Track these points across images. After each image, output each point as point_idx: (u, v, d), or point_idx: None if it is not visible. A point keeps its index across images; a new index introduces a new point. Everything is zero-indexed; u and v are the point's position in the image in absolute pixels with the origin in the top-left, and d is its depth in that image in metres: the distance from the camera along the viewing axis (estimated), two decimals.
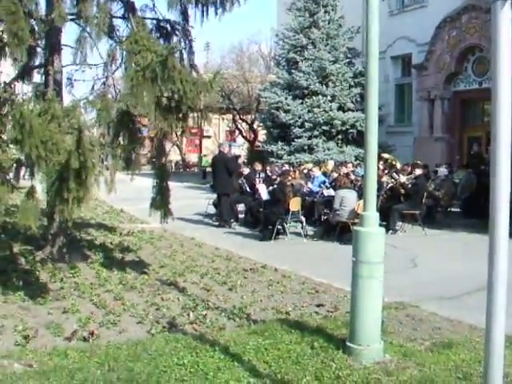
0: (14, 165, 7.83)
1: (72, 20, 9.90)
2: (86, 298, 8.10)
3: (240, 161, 18.15)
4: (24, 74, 10.42)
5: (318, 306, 7.93)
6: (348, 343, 5.92)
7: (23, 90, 10.83)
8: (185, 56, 11.03)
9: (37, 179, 7.82)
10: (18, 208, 7.73)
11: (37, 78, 10.81)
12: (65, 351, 5.85)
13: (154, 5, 10.70)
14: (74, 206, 7.15)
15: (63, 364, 5.53)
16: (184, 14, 10.62)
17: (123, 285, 8.86)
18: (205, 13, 10.39)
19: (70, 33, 10.21)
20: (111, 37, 10.09)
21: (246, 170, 17.86)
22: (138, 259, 10.93)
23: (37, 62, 10.45)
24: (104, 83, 10.00)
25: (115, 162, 8.55)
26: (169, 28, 11.00)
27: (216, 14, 10.47)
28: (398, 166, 18.28)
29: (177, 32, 11.03)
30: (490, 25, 3.70)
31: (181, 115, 8.54)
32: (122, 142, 9.09)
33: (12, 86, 9.69)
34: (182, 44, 11.05)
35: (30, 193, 7.60)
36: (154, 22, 10.93)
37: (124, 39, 9.57)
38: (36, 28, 9.55)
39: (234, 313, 7.45)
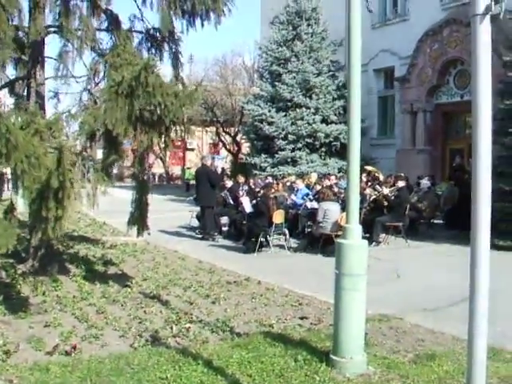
0: None
1: (55, 32, 9.88)
2: (68, 311, 8.03)
3: (224, 174, 18.18)
4: (7, 86, 10.36)
5: (302, 318, 7.91)
6: (332, 356, 5.91)
7: (5, 102, 10.74)
8: (170, 68, 11.07)
9: (19, 192, 7.78)
10: None
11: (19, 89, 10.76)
12: (46, 366, 5.79)
13: (142, 14, 10.69)
14: (53, 224, 7.09)
15: (44, 379, 5.48)
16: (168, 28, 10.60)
17: (106, 298, 8.80)
18: (191, 24, 10.40)
19: (55, 45, 10.18)
20: (94, 50, 10.06)
21: (229, 183, 17.84)
22: (120, 272, 10.87)
23: (19, 74, 10.40)
24: (90, 94, 9.98)
25: (97, 176, 8.50)
26: (159, 37, 10.95)
27: (202, 26, 10.49)
28: (381, 178, 18.35)
29: (166, 40, 10.98)
30: (471, 38, 3.74)
31: (163, 128, 8.52)
32: (103, 155, 9.05)
33: None
34: (168, 56, 11.05)
35: (8, 211, 7.53)
36: (143, 32, 10.88)
37: (107, 52, 9.54)
38: (24, 40, 9.54)
39: (218, 326, 7.42)
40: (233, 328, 7.38)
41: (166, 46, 10.85)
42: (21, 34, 9.63)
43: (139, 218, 9.69)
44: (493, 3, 3.59)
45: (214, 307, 8.50)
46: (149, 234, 10.08)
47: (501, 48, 17.01)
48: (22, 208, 9.00)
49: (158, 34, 10.85)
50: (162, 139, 8.82)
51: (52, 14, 9.40)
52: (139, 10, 10.59)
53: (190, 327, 7.32)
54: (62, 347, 6.46)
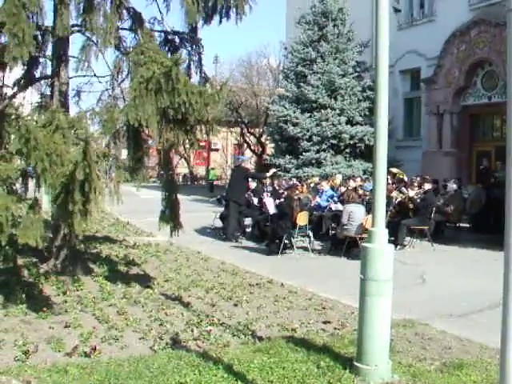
0: (21, 176, 7.75)
1: (79, 31, 9.85)
2: (88, 312, 7.97)
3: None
4: (29, 85, 10.36)
5: (325, 322, 7.78)
6: (355, 363, 5.77)
7: (28, 100, 10.75)
8: (192, 68, 11.01)
9: (42, 191, 7.74)
10: (21, 223, 7.59)
11: (44, 89, 10.78)
12: (65, 367, 5.72)
13: (162, 17, 10.67)
14: (79, 218, 7.04)
15: (62, 381, 5.41)
16: (192, 26, 10.55)
17: (127, 299, 8.73)
18: (207, 21, 10.34)
19: (78, 45, 10.16)
20: (118, 48, 10.02)
21: (253, 184, 17.74)
22: (142, 273, 10.81)
23: (38, 73, 10.40)
24: (110, 94, 9.94)
25: (119, 173, 8.43)
26: (177, 40, 10.96)
27: (220, 22, 10.41)
28: (406, 180, 18.15)
29: (185, 43, 10.97)
30: (500, 39, 3.59)
31: (188, 127, 8.45)
32: (127, 153, 9.01)
33: (16, 97, 9.65)
34: (191, 55, 11.02)
35: (33, 206, 7.49)
36: (162, 34, 10.89)
37: (130, 50, 9.49)
38: (40, 38, 9.51)
39: (239, 329, 7.31)
40: (254, 332, 7.27)
41: (184, 49, 10.82)
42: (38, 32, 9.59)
43: (171, 216, 9.61)
44: None
45: (235, 310, 8.40)
46: (183, 232, 9.95)
47: None
48: (45, 206, 8.98)
49: (176, 37, 10.83)
50: (188, 138, 8.75)
51: (75, 12, 9.34)
52: (160, 11, 10.57)
53: (211, 330, 7.22)
54: (82, 348, 6.40)
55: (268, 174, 18.31)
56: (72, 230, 7.47)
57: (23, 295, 8.39)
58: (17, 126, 7.02)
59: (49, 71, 10.16)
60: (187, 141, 8.92)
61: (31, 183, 8.10)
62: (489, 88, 23.47)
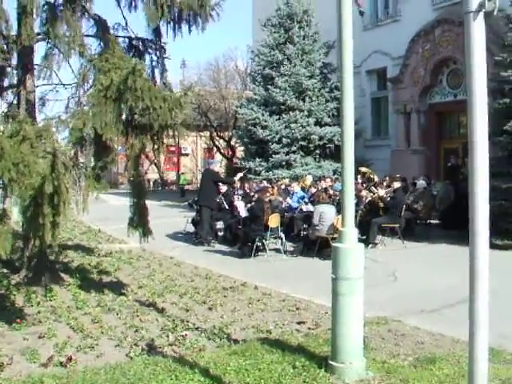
0: None
1: (44, 40, 9.80)
2: (62, 321, 7.93)
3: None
4: None
5: (299, 323, 7.85)
6: (330, 361, 5.83)
7: None
8: (157, 73, 11.02)
9: (11, 201, 7.69)
10: None
11: (10, 98, 10.71)
12: (40, 379, 5.70)
13: (126, 23, 10.66)
14: (50, 230, 7.01)
15: None
16: (156, 32, 10.58)
17: (101, 307, 8.70)
18: (177, 30, 10.38)
19: (43, 53, 10.11)
20: (83, 55, 9.98)
21: (223, 188, 17.76)
22: (116, 280, 10.78)
23: (6, 83, 10.32)
24: (76, 102, 9.90)
25: (88, 182, 8.40)
26: (141, 46, 10.95)
27: (190, 30, 10.47)
28: (376, 179, 18.32)
29: (149, 50, 10.98)
30: (463, 37, 3.68)
31: (153, 133, 8.45)
32: (97, 162, 8.97)
33: None
34: (154, 62, 11.03)
35: (1, 217, 7.43)
36: (127, 40, 10.88)
37: (95, 57, 9.47)
38: (5, 47, 9.46)
39: (214, 333, 7.34)
40: (230, 335, 7.30)
41: (148, 55, 10.84)
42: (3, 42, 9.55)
43: (140, 222, 9.56)
44: (486, 0, 3.53)
45: (210, 314, 8.43)
46: (153, 238, 9.91)
47: (493, 47, 16.97)
48: (15, 217, 8.91)
49: (140, 43, 10.84)
50: (154, 143, 8.75)
51: (39, 21, 9.31)
52: (124, 18, 10.56)
53: (186, 335, 7.25)
54: (57, 358, 6.38)
55: (236, 179, 18.36)
56: (42, 242, 7.41)
57: None
58: None
59: (15, 80, 10.10)
60: (154, 146, 8.92)
61: None
62: (454, 86, 23.77)
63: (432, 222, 18.48)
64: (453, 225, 15.95)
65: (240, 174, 18.85)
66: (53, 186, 6.74)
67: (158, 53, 10.95)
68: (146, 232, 9.63)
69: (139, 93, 7.68)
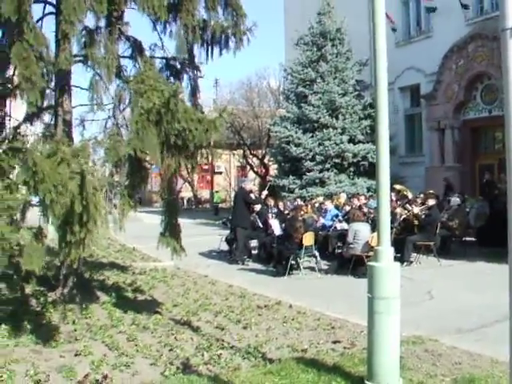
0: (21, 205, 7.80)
1: (80, 61, 9.96)
2: (98, 339, 7.97)
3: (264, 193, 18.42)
4: (33, 116, 10.46)
5: (335, 342, 7.78)
6: (366, 382, 5.77)
7: (32, 130, 10.86)
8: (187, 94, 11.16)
9: (49, 219, 7.79)
10: (24, 250, 7.65)
11: (47, 118, 10.89)
12: None
13: (162, 44, 10.78)
14: (76, 247, 7.08)
15: None
16: (190, 53, 10.69)
17: (136, 325, 8.73)
18: (210, 52, 10.55)
19: (81, 74, 10.30)
20: (119, 76, 10.13)
21: (258, 206, 17.78)
22: (150, 298, 10.82)
23: (45, 104, 10.50)
24: (113, 123, 10.03)
25: (124, 201, 8.49)
26: (178, 66, 11.06)
27: (221, 54, 10.63)
28: (410, 196, 18.18)
29: (186, 69, 11.08)
30: (498, 52, 3.66)
31: (189, 153, 8.52)
32: (130, 181, 9.06)
33: (20, 128, 9.76)
34: (191, 81, 11.13)
35: (37, 235, 7.54)
36: (164, 60, 11.00)
37: (131, 79, 9.59)
38: (45, 70, 9.63)
39: (249, 352, 7.31)
40: (265, 354, 7.26)
41: (186, 74, 10.94)
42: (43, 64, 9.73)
43: (171, 238, 9.60)
44: None
45: (245, 332, 8.41)
46: (185, 255, 9.93)
47: None
48: (52, 235, 9.03)
49: (176, 62, 10.94)
50: (189, 163, 8.81)
51: (77, 43, 9.47)
52: (160, 38, 10.68)
53: (221, 354, 7.23)
54: (93, 376, 6.41)
55: (262, 197, 18.37)
56: (69, 259, 7.47)
57: (32, 324, 8.40)
58: (23, 158, 7.08)
59: (53, 101, 10.27)
60: (189, 165, 8.99)
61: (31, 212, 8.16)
62: (488, 102, 23.56)
63: (467, 239, 18.23)
64: (489, 242, 15.73)
65: (265, 192, 18.92)
66: (82, 205, 6.81)
67: (193, 72, 11.05)
68: (177, 249, 9.65)
69: (180, 115, 7.76)
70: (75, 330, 8.37)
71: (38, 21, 9.73)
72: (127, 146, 7.96)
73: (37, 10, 9.87)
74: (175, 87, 8.08)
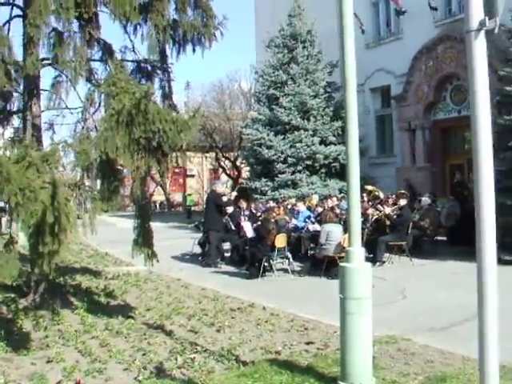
0: None
1: (50, 65, 9.88)
2: (70, 345, 7.90)
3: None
4: (5, 121, 10.37)
5: (308, 343, 7.80)
6: (340, 382, 5.79)
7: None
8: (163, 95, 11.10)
9: (18, 226, 7.70)
10: None
11: (16, 122, 10.80)
12: None
13: (133, 46, 10.73)
14: (49, 258, 7.01)
15: None
16: (162, 54, 10.65)
17: (109, 330, 8.67)
18: (182, 51, 10.52)
19: (49, 78, 10.21)
20: (89, 80, 10.06)
21: (230, 209, 17.77)
22: (123, 303, 10.75)
23: (14, 108, 10.40)
24: (83, 126, 9.96)
25: (95, 205, 8.42)
26: (149, 68, 11.03)
27: (194, 50, 10.60)
28: (382, 196, 18.30)
29: (157, 71, 11.05)
30: (466, 54, 3.69)
31: (160, 155, 8.48)
32: (101, 184, 9.00)
33: None
34: (163, 83, 11.10)
35: (8, 244, 7.46)
36: (135, 63, 10.95)
37: (102, 82, 9.53)
38: (13, 73, 9.55)
39: (223, 355, 7.30)
40: (238, 356, 7.26)
41: (157, 76, 10.91)
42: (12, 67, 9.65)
43: (144, 244, 9.56)
44: (487, 18, 3.55)
45: (218, 335, 8.39)
46: (157, 261, 9.90)
47: (495, 62, 17.02)
48: (23, 241, 8.93)
49: (148, 65, 10.91)
50: (160, 166, 8.78)
51: (47, 46, 9.39)
52: (131, 41, 10.63)
53: (194, 357, 7.20)
54: (66, 383, 6.35)
55: (231, 198, 18.36)
56: (42, 271, 7.40)
57: (3, 332, 8.29)
58: None
59: (21, 106, 10.17)
60: (160, 168, 8.96)
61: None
62: (458, 102, 23.80)
63: (439, 238, 18.41)
64: (460, 241, 15.90)
65: (233, 193, 19.03)
66: (53, 215, 6.74)
67: (165, 75, 11.03)
68: (150, 254, 9.62)
69: (151, 116, 7.72)
70: (47, 337, 8.29)
71: (5, 24, 9.66)
72: (93, 147, 7.89)
73: (4, 12, 9.82)
74: (146, 88, 8.03)
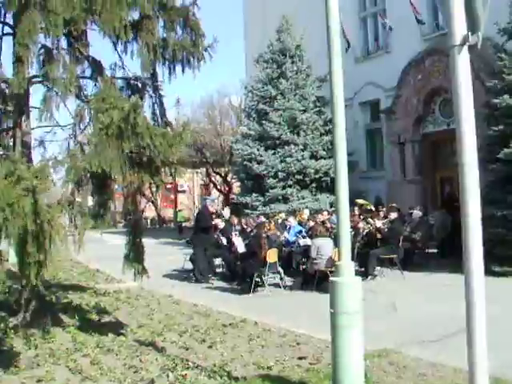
0: None
1: (40, 82, 9.89)
2: (61, 364, 7.85)
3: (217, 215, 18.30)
4: None
5: (300, 358, 7.80)
6: None
7: None
8: (157, 111, 11.10)
9: (6, 242, 7.66)
10: None
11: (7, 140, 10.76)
12: None
13: (122, 63, 10.75)
14: (35, 269, 6.97)
15: None
16: (153, 72, 10.68)
17: (100, 348, 8.63)
18: (172, 70, 10.56)
19: (40, 95, 10.19)
20: (79, 96, 10.08)
21: (221, 224, 17.76)
22: (115, 320, 10.71)
23: (4, 125, 10.39)
24: (73, 142, 9.96)
25: (85, 220, 8.40)
26: (139, 85, 11.05)
27: (183, 71, 10.64)
28: (374, 210, 18.35)
29: (147, 88, 11.07)
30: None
31: (153, 170, 8.49)
32: (93, 200, 8.99)
33: None
34: (152, 100, 11.11)
35: None
36: (125, 78, 10.98)
37: (91, 98, 9.54)
38: (5, 90, 9.56)
39: (215, 371, 7.28)
40: (230, 372, 7.24)
41: (147, 93, 10.93)
42: (3, 85, 9.66)
43: (135, 260, 9.54)
44: (469, 34, 3.59)
45: (210, 352, 8.36)
46: (148, 277, 9.88)
47: (483, 75, 17.17)
48: (13, 259, 8.88)
49: (138, 81, 10.93)
50: (153, 180, 8.78)
51: (36, 64, 9.41)
52: (120, 58, 10.65)
53: (186, 374, 7.18)
54: None
55: (220, 225, 18.38)
56: (27, 282, 7.36)
57: None
58: None
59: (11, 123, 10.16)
60: (153, 183, 8.96)
61: None
62: (447, 115, 23.84)
63: (430, 251, 18.46)
64: (451, 253, 15.94)
65: (227, 211, 19.17)
66: (35, 223, 6.72)
67: (155, 93, 11.05)
68: (140, 271, 9.61)
69: (140, 130, 7.73)
70: (37, 356, 8.24)
71: None
72: (84, 161, 7.88)
73: None
74: (134, 101, 8.04)
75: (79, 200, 8.79)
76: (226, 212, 19.19)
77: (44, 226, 6.73)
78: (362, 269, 14.53)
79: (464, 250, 3.77)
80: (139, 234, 9.75)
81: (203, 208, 17.96)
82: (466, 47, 3.60)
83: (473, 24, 3.52)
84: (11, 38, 9.50)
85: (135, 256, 9.53)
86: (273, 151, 25.44)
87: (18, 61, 8.76)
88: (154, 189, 9.25)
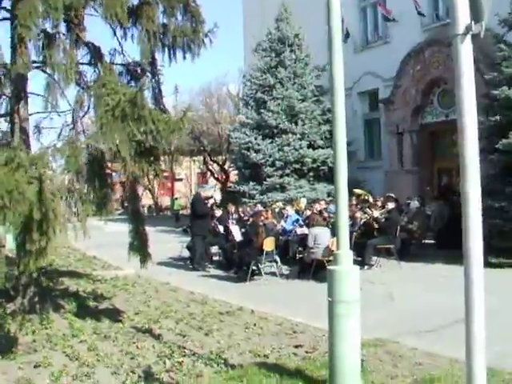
0: None
1: (38, 68, 9.83)
2: (58, 350, 7.87)
3: (212, 201, 18.14)
4: None
5: (297, 346, 7.81)
6: None
7: None
8: (157, 97, 11.06)
9: (5, 229, 7.66)
10: None
11: (4, 125, 10.71)
12: None
13: (122, 49, 10.69)
14: (36, 256, 6.97)
15: None
16: (152, 58, 10.63)
17: (97, 334, 8.65)
18: (172, 56, 10.50)
19: (38, 80, 10.13)
20: (78, 83, 10.02)
21: (218, 212, 17.77)
22: (112, 307, 10.72)
23: (2, 111, 10.33)
24: (72, 129, 9.91)
25: (85, 208, 8.39)
26: (139, 70, 10.99)
27: (184, 57, 10.58)
28: (371, 200, 18.36)
29: (147, 74, 11.02)
30: (452, 58, 3.72)
31: (153, 158, 8.48)
32: (91, 188, 8.97)
33: None
34: (152, 85, 11.06)
35: None
36: (124, 64, 10.92)
37: (91, 84, 9.49)
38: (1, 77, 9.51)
39: (211, 358, 7.29)
40: (227, 360, 7.25)
41: (147, 78, 10.88)
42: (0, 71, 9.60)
43: (140, 247, 9.57)
44: (473, 23, 3.57)
45: (207, 339, 8.38)
46: (152, 264, 9.89)
47: (482, 66, 17.13)
48: (11, 245, 8.88)
49: (138, 67, 10.87)
50: (152, 169, 8.77)
51: (35, 49, 9.34)
52: (119, 43, 10.59)
53: (183, 361, 7.20)
54: None
55: (216, 213, 18.37)
56: (28, 269, 7.36)
57: None
58: None
59: (9, 109, 10.11)
60: (152, 172, 8.94)
61: None
62: (445, 106, 23.85)
63: (427, 241, 18.49)
64: (448, 244, 15.95)
65: (217, 196, 19.15)
66: (40, 212, 6.72)
67: (154, 78, 10.99)
68: (146, 257, 9.63)
69: (146, 113, 7.72)
70: (34, 341, 8.25)
71: None
72: (89, 139, 7.86)
73: None
74: (142, 83, 8.03)
75: (78, 187, 8.78)
76: (217, 195, 19.18)
77: (49, 214, 6.72)
78: (359, 258, 14.54)
79: (464, 241, 3.76)
80: (142, 223, 9.79)
81: (197, 195, 17.91)
82: (469, 36, 3.58)
83: (476, 13, 3.51)
84: (8, 23, 9.43)
85: (140, 244, 9.56)
86: (270, 140, 25.41)
87: (20, 41, 8.70)
88: (151, 177, 9.21)
